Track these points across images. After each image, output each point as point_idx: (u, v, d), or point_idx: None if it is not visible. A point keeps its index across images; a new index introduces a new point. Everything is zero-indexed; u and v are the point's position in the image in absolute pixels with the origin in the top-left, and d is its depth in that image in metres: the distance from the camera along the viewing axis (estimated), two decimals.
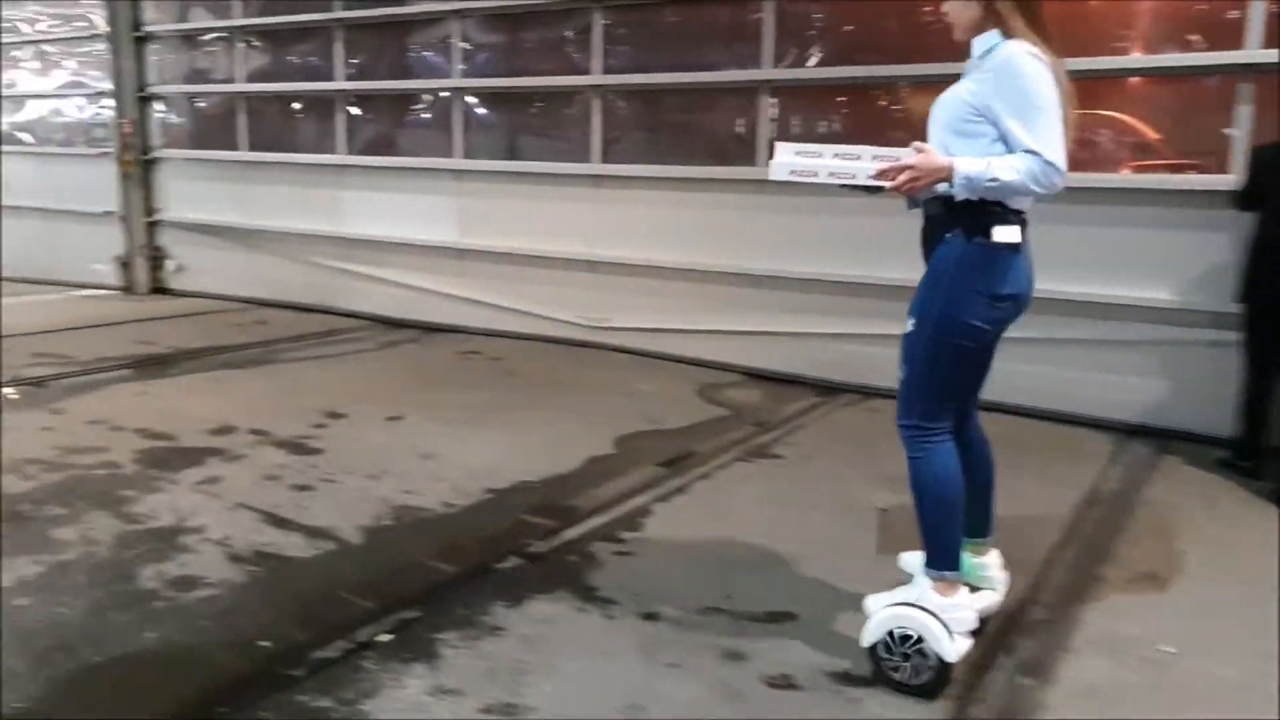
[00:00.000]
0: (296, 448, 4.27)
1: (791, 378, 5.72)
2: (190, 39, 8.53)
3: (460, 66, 6.93)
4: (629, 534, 3.41)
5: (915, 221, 2.54)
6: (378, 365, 6.12)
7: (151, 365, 5.94)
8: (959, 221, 2.37)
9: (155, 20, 8.47)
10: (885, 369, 5.64)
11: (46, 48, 9.26)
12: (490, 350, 6.48)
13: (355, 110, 7.58)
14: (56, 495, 3.59)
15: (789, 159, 2.45)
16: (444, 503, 3.66)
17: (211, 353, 6.30)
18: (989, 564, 2.74)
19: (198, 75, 8.56)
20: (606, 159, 6.44)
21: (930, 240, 2.46)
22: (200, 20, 8.33)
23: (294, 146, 7.98)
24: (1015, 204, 2.37)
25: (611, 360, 6.28)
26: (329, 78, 7.58)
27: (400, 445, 4.34)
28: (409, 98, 7.43)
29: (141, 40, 8.49)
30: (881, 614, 2.48)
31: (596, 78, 6.35)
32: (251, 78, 8.07)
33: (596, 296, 6.56)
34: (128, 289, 8.94)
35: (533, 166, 6.71)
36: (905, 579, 2.65)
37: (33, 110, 9.46)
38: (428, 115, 7.30)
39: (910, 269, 2.61)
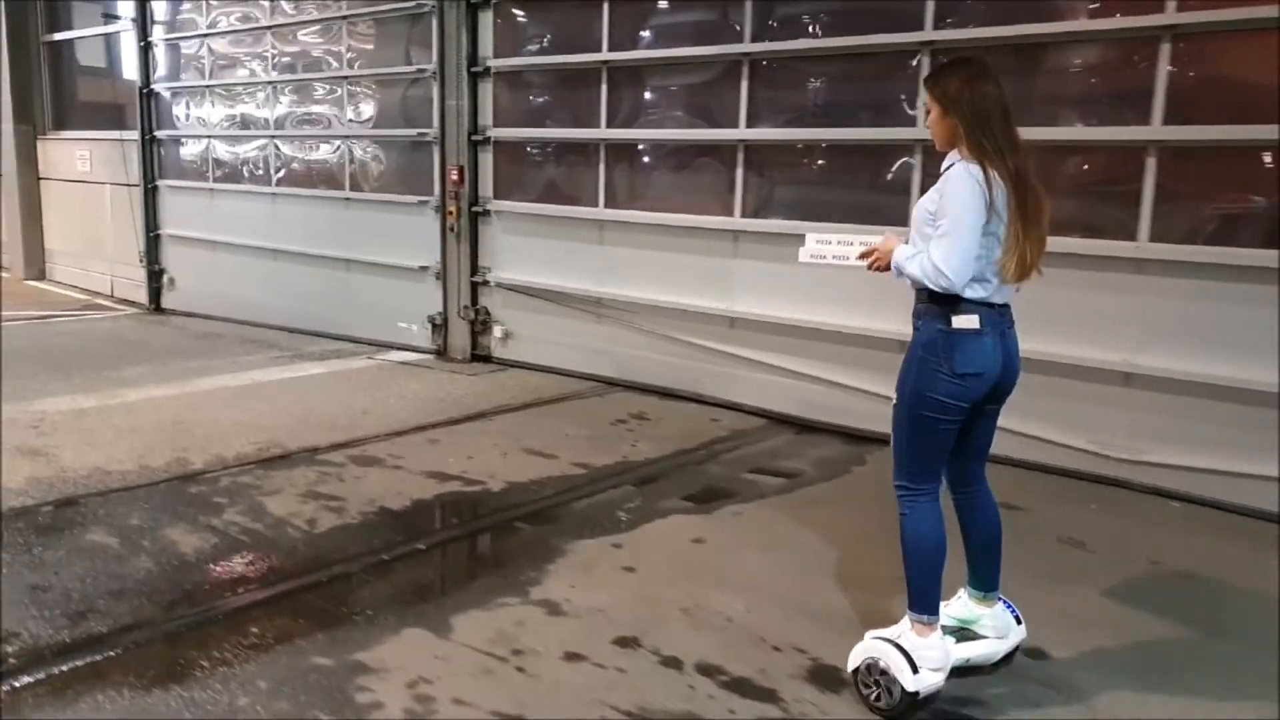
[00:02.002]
0: None
1: None
2: (538, 75, 7.39)
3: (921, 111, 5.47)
4: None
5: None
6: (863, 516, 4.52)
7: (586, 497, 4.66)
8: (928, 309, 2.77)
9: (495, 54, 7.38)
10: None
11: (359, 86, 8.35)
12: None
13: (754, 164, 6.24)
14: None
15: (811, 245, 3.04)
16: None
17: (636, 475, 4.99)
18: (987, 615, 3.02)
19: (543, 116, 7.42)
20: (1155, 235, 4.80)
21: (914, 323, 2.83)
22: (558, 54, 7.13)
23: (661, 204, 6.72)
24: (988, 296, 2.72)
25: (1161, 513, 4.67)
26: (725, 123, 6.26)
27: None
28: (842, 151, 6.02)
29: (478, 76, 7.42)
30: (863, 644, 2.85)
31: (1154, 130, 4.73)
32: (613, 121, 6.85)
33: (1126, 417, 4.93)
34: (440, 353, 7.93)
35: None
36: None
37: (340, 153, 8.57)
38: (871, 170, 5.87)
39: None
